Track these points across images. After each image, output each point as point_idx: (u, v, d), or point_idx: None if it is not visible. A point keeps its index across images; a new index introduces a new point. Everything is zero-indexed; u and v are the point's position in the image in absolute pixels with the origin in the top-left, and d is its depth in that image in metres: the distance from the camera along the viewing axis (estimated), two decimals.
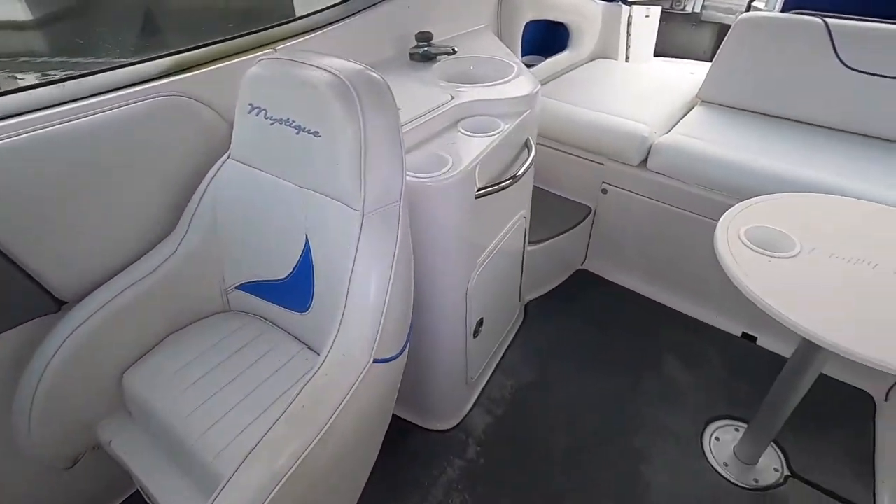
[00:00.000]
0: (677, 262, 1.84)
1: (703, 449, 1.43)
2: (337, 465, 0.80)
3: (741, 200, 1.22)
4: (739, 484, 1.35)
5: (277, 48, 1.22)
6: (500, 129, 1.19)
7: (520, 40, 1.96)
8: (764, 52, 1.90)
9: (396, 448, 1.42)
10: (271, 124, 0.90)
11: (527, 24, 2.02)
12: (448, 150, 1.12)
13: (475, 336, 1.41)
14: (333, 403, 0.75)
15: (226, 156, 1.04)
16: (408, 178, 1.01)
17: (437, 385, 1.42)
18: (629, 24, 2.51)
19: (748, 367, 1.66)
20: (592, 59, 2.49)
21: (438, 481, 1.35)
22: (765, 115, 1.94)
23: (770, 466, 1.39)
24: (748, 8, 3.51)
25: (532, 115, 1.34)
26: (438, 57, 1.48)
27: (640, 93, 2.10)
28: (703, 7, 3.93)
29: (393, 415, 1.48)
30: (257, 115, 0.92)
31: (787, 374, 1.20)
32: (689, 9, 3.94)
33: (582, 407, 1.55)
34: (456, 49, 1.47)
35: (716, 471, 1.38)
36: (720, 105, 2.04)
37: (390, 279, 0.83)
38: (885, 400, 1.56)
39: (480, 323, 1.42)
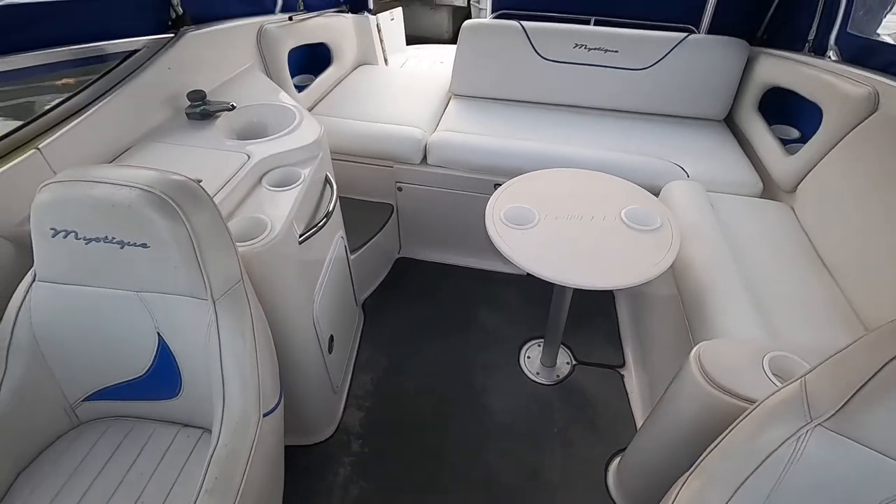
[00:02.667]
0: (469, 231, 2.28)
1: (521, 368, 1.92)
2: None
3: (499, 175, 1.63)
4: (548, 383, 1.87)
5: (41, 147, 1.17)
6: (302, 179, 1.36)
7: (287, 70, 2.08)
8: (486, 51, 2.38)
9: (289, 473, 1.57)
10: (87, 244, 0.93)
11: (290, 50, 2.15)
12: (262, 211, 1.26)
13: (330, 352, 1.61)
14: (241, 464, 0.90)
15: (30, 279, 1.01)
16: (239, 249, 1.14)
17: (309, 404, 1.59)
18: (379, 30, 2.79)
19: (537, 297, 2.21)
20: (356, 66, 2.72)
21: (336, 483, 1.56)
22: (502, 100, 2.46)
23: (564, 362, 1.95)
24: (468, 4, 4.16)
25: (325, 155, 1.53)
26: (217, 114, 1.54)
27: (405, 95, 2.43)
28: None
29: None
30: (65, 237, 0.93)
31: (556, 294, 1.69)
32: None
33: (431, 371, 1.90)
34: (234, 104, 1.55)
35: (532, 381, 1.88)
36: (467, 97, 2.49)
37: (255, 346, 0.98)
38: (620, 290, 2.27)
39: (331, 339, 1.62)
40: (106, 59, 1.39)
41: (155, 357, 1.05)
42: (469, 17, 5.34)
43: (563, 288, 1.65)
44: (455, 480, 1.57)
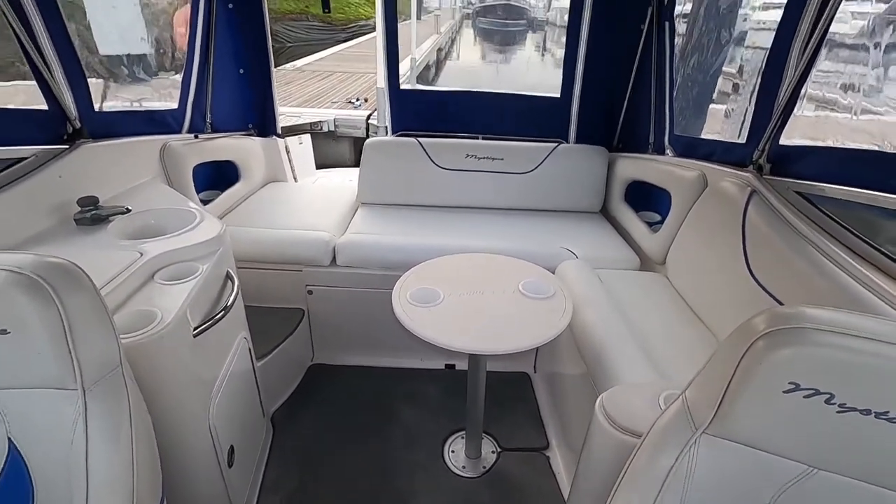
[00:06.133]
0: (383, 330, 2.27)
1: (445, 464, 1.81)
2: None
3: (407, 270, 1.71)
4: (474, 476, 1.77)
5: None
6: (199, 272, 1.34)
7: (191, 184, 2.11)
8: (388, 163, 2.62)
9: None
10: None
11: (196, 166, 2.21)
12: (153, 304, 1.20)
13: (230, 465, 1.43)
14: None
15: None
16: (122, 340, 1.05)
17: None
18: (288, 151, 2.98)
19: (456, 388, 2.18)
20: (265, 184, 2.83)
21: None
22: (405, 205, 2.65)
23: (489, 452, 1.88)
24: (367, 128, 4.70)
25: (226, 251, 1.53)
26: (111, 218, 1.51)
27: (314, 206, 2.54)
28: (336, 126, 5.10)
29: None
30: None
31: (470, 380, 1.69)
32: (325, 128, 5.04)
33: (349, 482, 1.73)
34: (130, 207, 1.54)
35: (458, 476, 1.77)
36: (375, 204, 2.66)
37: (132, 444, 0.87)
38: (535, 372, 2.31)
39: (231, 451, 1.46)
40: None
41: (2, 472, 0.89)
42: None
43: (476, 371, 1.66)
44: None
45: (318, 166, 3.92)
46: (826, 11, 1.36)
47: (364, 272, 2.18)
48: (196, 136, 2.16)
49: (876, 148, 1.26)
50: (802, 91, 1.44)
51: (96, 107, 1.73)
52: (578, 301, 1.70)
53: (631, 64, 2.47)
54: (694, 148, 2.06)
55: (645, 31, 2.35)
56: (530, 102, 2.77)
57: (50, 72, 1.51)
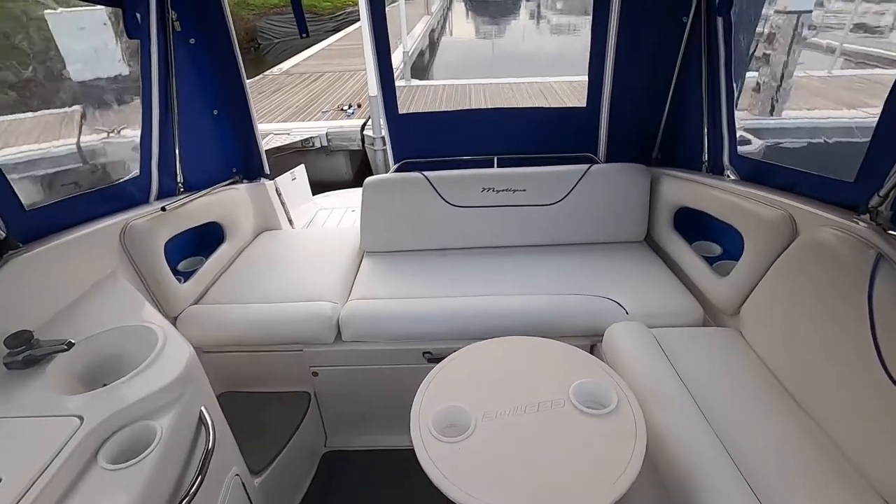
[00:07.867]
0: (402, 405, 1.94)
1: None
2: None
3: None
4: None
5: None
6: (156, 439, 1.02)
7: (164, 266, 1.78)
8: (392, 205, 2.25)
9: None
10: None
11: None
12: None
13: None
14: None
15: None
16: None
17: None
18: (279, 193, 2.63)
19: None
20: (256, 234, 2.49)
21: None
22: (416, 251, 2.29)
23: None
24: (362, 140, 4.29)
25: (196, 388, 1.20)
26: (49, 356, 1.19)
27: (312, 262, 2.19)
28: (329, 140, 4.71)
29: None
30: None
31: None
32: (318, 144, 4.67)
33: None
34: (72, 341, 1.22)
35: None
36: (380, 252, 2.30)
37: None
38: None
39: None
40: None
41: None
42: (365, 159, 5.45)
43: None
44: None
45: (314, 185, 3.56)
46: None
47: (375, 348, 1.85)
48: (163, 209, 1.81)
49: None
50: None
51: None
52: (642, 394, 1.35)
53: (672, 64, 2.05)
54: (767, 175, 1.66)
55: (689, 24, 1.93)
56: (551, 116, 2.38)
57: None
